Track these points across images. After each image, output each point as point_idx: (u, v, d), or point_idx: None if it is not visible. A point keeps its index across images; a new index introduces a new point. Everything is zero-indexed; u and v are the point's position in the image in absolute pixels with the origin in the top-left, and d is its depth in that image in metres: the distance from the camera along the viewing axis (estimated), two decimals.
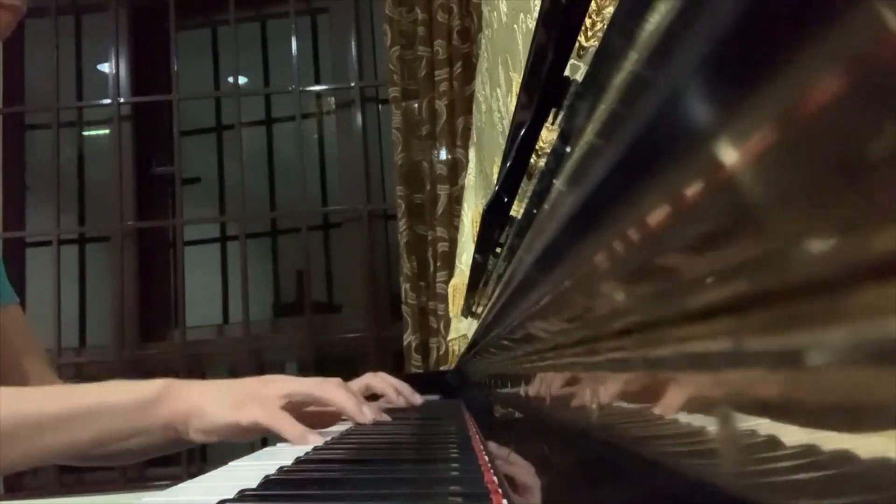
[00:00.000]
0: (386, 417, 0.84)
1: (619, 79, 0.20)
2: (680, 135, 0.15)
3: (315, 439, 0.70)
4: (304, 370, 2.47)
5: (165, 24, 2.65)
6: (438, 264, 2.24)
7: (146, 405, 0.73)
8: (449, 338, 1.97)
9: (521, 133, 0.41)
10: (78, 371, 2.53)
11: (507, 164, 0.46)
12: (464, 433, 0.74)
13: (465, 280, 1.12)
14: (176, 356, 2.49)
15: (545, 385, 0.40)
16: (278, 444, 0.73)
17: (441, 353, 2.21)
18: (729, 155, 0.13)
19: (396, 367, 2.39)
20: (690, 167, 0.15)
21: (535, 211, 0.38)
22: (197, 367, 2.55)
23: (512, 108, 0.55)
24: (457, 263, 1.89)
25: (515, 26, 0.84)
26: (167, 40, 2.65)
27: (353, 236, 2.58)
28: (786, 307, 0.12)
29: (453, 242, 2.14)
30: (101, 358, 2.52)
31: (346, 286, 2.65)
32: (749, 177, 0.13)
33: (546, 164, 0.36)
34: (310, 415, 0.82)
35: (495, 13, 1.08)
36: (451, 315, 1.88)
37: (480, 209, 0.86)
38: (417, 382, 1.75)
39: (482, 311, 0.92)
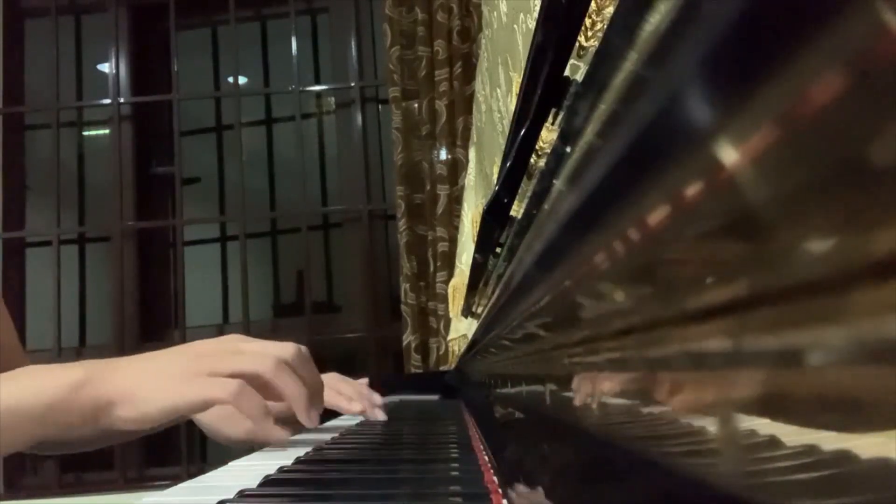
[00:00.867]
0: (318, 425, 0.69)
1: (619, 79, 0.20)
2: (680, 135, 0.15)
3: (281, 435, 0.63)
4: None
5: (165, 24, 2.65)
6: (438, 264, 2.24)
7: (60, 404, 0.62)
8: (449, 338, 1.97)
9: (521, 133, 0.41)
10: None
11: (507, 164, 0.46)
12: (464, 433, 0.74)
13: (465, 280, 1.12)
14: None
15: (546, 385, 0.40)
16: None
17: (441, 353, 2.21)
18: (729, 155, 0.13)
19: (396, 367, 2.39)
20: (690, 167, 0.15)
21: (535, 211, 0.38)
22: None
23: (512, 108, 0.55)
24: (457, 263, 1.89)
25: (515, 26, 0.84)
26: (167, 40, 2.66)
27: (353, 236, 2.58)
28: (786, 307, 0.12)
29: (453, 242, 2.14)
30: (101, 358, 2.52)
31: (346, 286, 2.65)
32: (749, 177, 0.13)
33: (546, 164, 0.36)
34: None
35: (495, 13, 1.08)
36: (451, 315, 1.88)
37: (480, 209, 0.86)
38: (417, 382, 1.75)
39: (482, 311, 0.92)
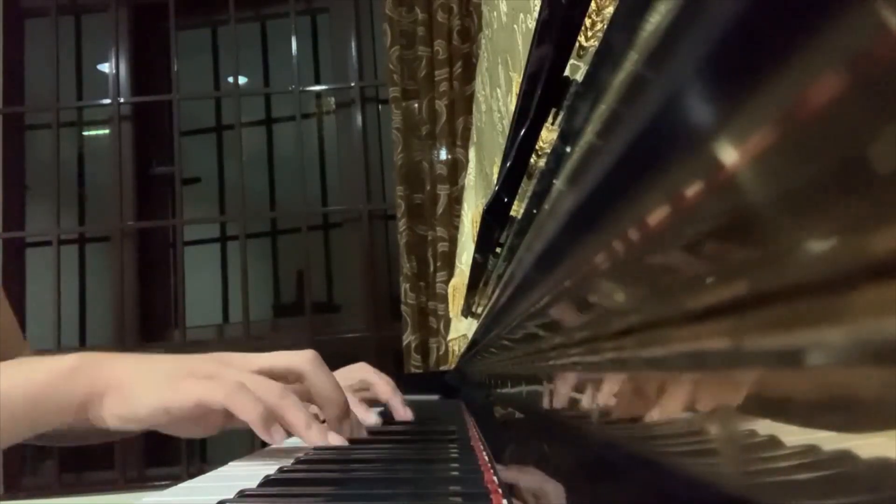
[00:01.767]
0: (343, 442, 0.63)
1: (619, 79, 0.20)
2: (680, 135, 0.15)
3: (282, 437, 0.58)
4: None
5: (165, 24, 2.65)
6: (438, 264, 2.24)
7: (48, 395, 0.59)
8: (449, 338, 1.97)
9: (521, 133, 0.41)
10: None
11: (507, 164, 0.46)
12: (464, 433, 0.74)
13: (465, 280, 1.12)
14: None
15: (545, 385, 0.40)
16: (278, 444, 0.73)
17: (441, 353, 2.21)
18: (729, 155, 0.13)
19: (396, 367, 2.39)
20: (690, 167, 0.15)
21: (535, 211, 0.38)
22: None
23: (512, 108, 0.55)
24: (457, 263, 1.89)
25: (515, 26, 0.84)
26: (167, 40, 2.66)
27: (353, 236, 2.58)
28: (786, 307, 0.12)
29: (453, 242, 2.14)
30: None
31: (346, 286, 2.65)
32: (749, 177, 0.13)
33: (546, 164, 0.36)
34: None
35: (495, 13, 1.08)
36: (451, 315, 1.88)
37: (480, 209, 0.86)
38: (417, 382, 1.75)
39: (482, 311, 0.92)
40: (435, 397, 1.57)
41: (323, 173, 2.77)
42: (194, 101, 2.81)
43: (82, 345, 2.67)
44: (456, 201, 2.22)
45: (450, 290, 1.94)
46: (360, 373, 0.90)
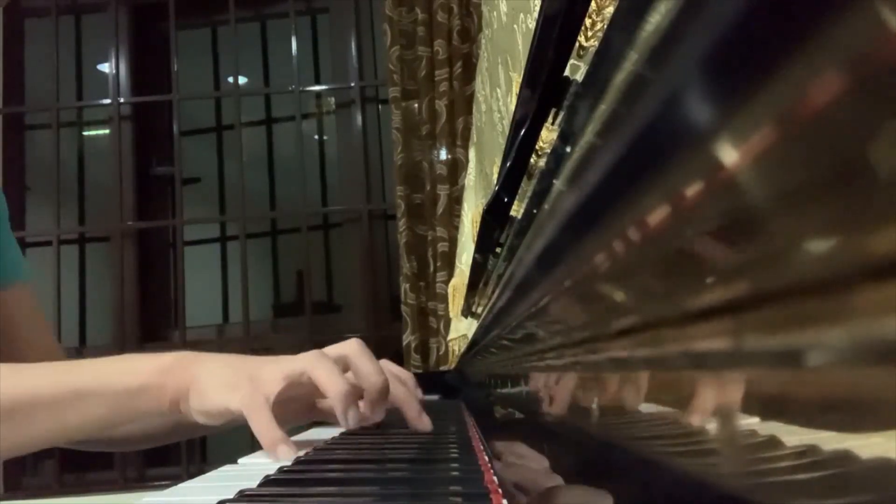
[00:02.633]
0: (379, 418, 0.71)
1: (619, 79, 0.20)
2: (680, 135, 0.15)
3: (286, 453, 0.60)
4: None
5: (165, 24, 2.65)
6: (438, 264, 2.24)
7: (149, 387, 0.64)
8: (449, 338, 1.97)
9: (521, 133, 0.41)
10: None
11: (507, 164, 0.46)
12: (464, 433, 0.74)
13: (465, 280, 1.12)
14: None
15: (545, 385, 0.40)
16: None
17: (441, 353, 2.21)
18: (729, 155, 0.13)
19: None
20: (690, 167, 0.15)
21: (535, 211, 0.38)
22: None
23: (512, 108, 0.55)
24: (457, 263, 1.89)
25: (515, 26, 0.84)
26: (167, 40, 2.66)
27: (353, 236, 2.58)
28: (786, 307, 0.12)
29: (453, 242, 2.14)
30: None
31: (346, 286, 2.65)
32: (749, 177, 0.13)
33: (546, 164, 0.36)
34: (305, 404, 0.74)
35: (495, 13, 1.08)
36: (451, 315, 1.88)
37: (480, 209, 0.86)
38: (418, 382, 1.75)
39: (482, 311, 0.92)
40: (435, 397, 1.57)
41: (323, 173, 2.77)
42: (194, 101, 2.81)
43: (82, 345, 2.67)
44: (456, 201, 2.22)
45: (450, 290, 1.94)
46: (394, 370, 0.89)
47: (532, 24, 0.56)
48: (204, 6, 2.72)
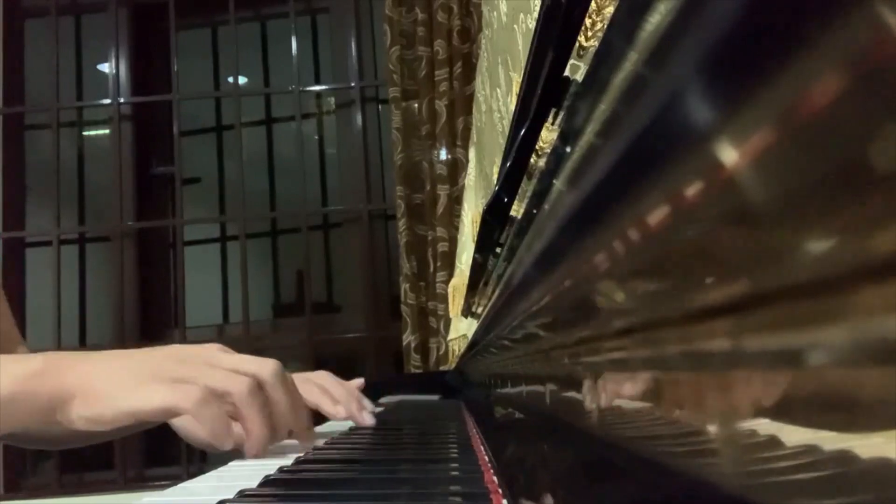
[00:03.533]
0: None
1: (619, 79, 0.20)
2: (680, 135, 0.15)
3: (231, 446, 0.57)
4: (304, 370, 2.47)
5: (165, 24, 2.65)
6: (438, 264, 2.24)
7: (17, 397, 0.57)
8: (449, 338, 1.97)
9: (521, 133, 0.41)
10: None
11: (507, 164, 0.46)
12: (464, 433, 0.74)
13: (465, 280, 1.12)
14: None
15: (545, 385, 0.40)
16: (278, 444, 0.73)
17: (441, 353, 2.21)
18: (729, 155, 0.13)
19: (396, 367, 2.39)
20: (690, 167, 0.15)
21: (535, 211, 0.38)
22: None
23: (512, 108, 0.55)
24: (457, 263, 1.89)
25: (515, 26, 0.84)
26: (167, 40, 2.66)
27: (353, 236, 2.58)
28: (786, 307, 0.12)
29: (453, 242, 2.14)
30: None
31: (346, 286, 2.65)
32: (749, 177, 0.13)
33: (546, 164, 0.36)
34: None
35: (495, 13, 1.08)
36: (451, 315, 1.88)
37: (480, 209, 0.86)
38: (417, 382, 1.75)
39: (482, 311, 0.92)
40: (435, 397, 1.57)
41: (323, 173, 2.77)
42: (194, 101, 2.81)
43: (82, 345, 2.67)
44: (456, 201, 2.22)
45: (450, 290, 1.94)
46: (318, 380, 0.86)
47: (532, 24, 0.56)
48: (204, 6, 2.72)
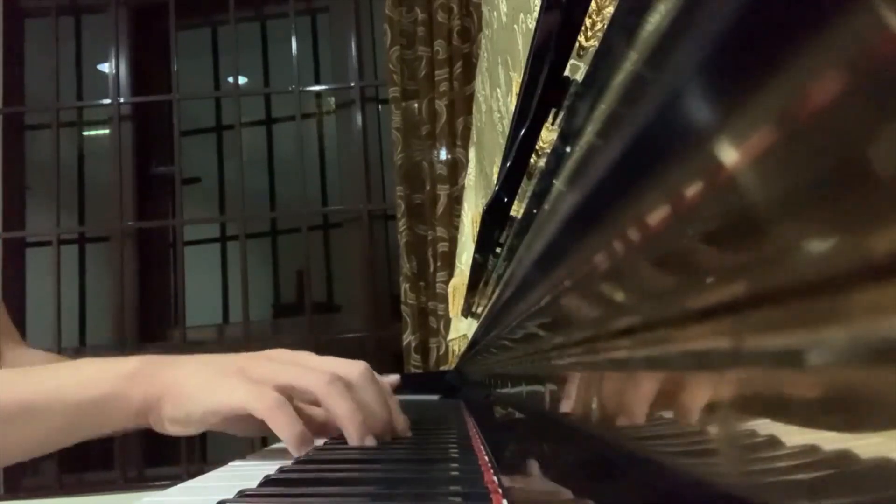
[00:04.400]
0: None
1: (619, 79, 0.20)
2: (680, 135, 0.15)
3: (306, 448, 0.58)
4: None
5: (165, 24, 2.65)
6: (438, 264, 2.24)
7: (112, 398, 0.59)
8: (449, 338, 1.97)
9: (521, 133, 0.41)
10: None
11: (507, 164, 0.46)
12: (464, 433, 0.74)
13: (465, 280, 1.12)
14: None
15: (545, 385, 0.40)
16: (278, 444, 0.73)
17: (441, 353, 2.21)
18: (729, 155, 0.13)
19: (396, 367, 2.39)
20: (690, 167, 0.15)
21: (535, 211, 0.38)
22: None
23: (512, 108, 0.55)
24: (457, 263, 1.89)
25: (515, 26, 0.84)
26: (167, 40, 2.66)
27: (353, 236, 2.58)
28: (786, 307, 0.12)
29: (453, 242, 2.14)
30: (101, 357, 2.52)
31: (346, 286, 2.65)
32: (749, 177, 0.13)
33: (546, 164, 0.36)
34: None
35: (495, 13, 1.08)
36: (451, 315, 1.88)
37: (480, 209, 0.86)
38: (417, 382, 1.75)
39: (482, 311, 0.92)
40: (435, 397, 1.57)
41: (323, 173, 2.77)
42: (194, 101, 2.81)
43: (82, 345, 2.67)
44: (456, 201, 2.22)
45: (450, 290, 1.94)
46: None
47: (532, 24, 0.56)
48: (204, 6, 2.72)
